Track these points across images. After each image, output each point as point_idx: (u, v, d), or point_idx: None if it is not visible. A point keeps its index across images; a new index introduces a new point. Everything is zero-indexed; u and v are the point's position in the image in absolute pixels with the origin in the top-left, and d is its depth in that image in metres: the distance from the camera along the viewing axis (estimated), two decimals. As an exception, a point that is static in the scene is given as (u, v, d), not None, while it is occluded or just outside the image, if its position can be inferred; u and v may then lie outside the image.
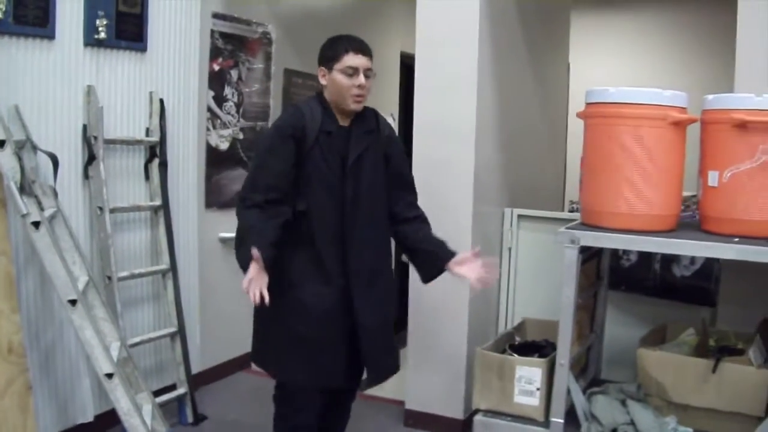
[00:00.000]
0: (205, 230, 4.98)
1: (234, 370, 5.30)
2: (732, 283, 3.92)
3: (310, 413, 3.26)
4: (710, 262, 4.00)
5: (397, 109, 6.66)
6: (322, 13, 6.11)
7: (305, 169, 3.09)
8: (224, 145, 5.11)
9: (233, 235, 4.96)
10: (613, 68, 8.11)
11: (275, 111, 5.53)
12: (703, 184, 3.35)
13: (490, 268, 3.24)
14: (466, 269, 3.23)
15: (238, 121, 5.22)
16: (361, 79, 3.09)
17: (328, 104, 3.17)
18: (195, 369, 4.69)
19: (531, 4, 4.98)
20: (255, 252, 2.85)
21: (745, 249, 3.07)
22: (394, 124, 6.44)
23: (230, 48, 5.07)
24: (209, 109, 4.96)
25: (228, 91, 5.10)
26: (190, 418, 4.44)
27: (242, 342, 5.30)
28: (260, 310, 3.12)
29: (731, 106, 3.24)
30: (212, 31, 4.89)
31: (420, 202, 3.47)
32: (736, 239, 3.17)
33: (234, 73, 5.14)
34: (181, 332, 4.49)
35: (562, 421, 3.46)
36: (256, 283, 2.87)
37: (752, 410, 3.35)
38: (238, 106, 5.20)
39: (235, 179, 5.18)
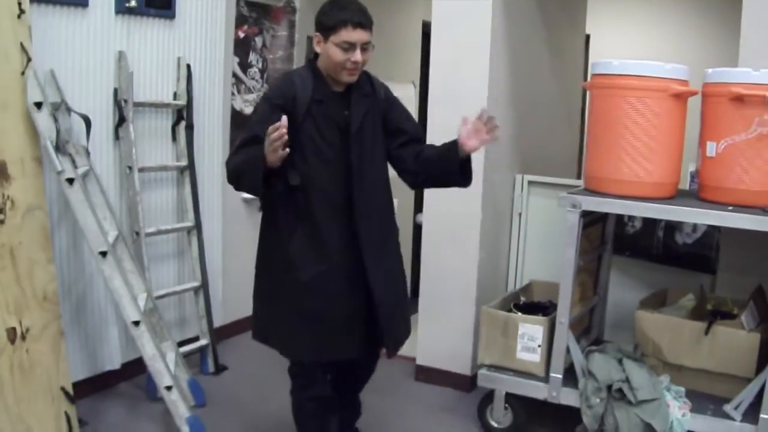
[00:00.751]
0: (229, 190, 5.06)
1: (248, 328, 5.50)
2: (731, 252, 4.05)
3: (324, 384, 3.28)
4: (711, 231, 4.15)
5: (419, 77, 6.78)
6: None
7: (298, 140, 2.92)
8: (249, 110, 5.27)
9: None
10: (633, 39, 8.14)
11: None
12: (702, 154, 3.50)
13: (481, 125, 3.01)
14: (471, 142, 3.01)
15: (262, 86, 5.38)
16: (357, 55, 2.92)
17: (320, 72, 3.03)
18: (217, 323, 4.88)
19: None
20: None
21: (736, 216, 3.24)
22: (415, 92, 6.58)
23: (255, 16, 5.22)
24: (234, 75, 5.12)
25: (253, 57, 5.27)
26: (211, 368, 4.65)
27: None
28: (260, 290, 3.20)
29: (730, 80, 3.38)
30: (238, 0, 5.05)
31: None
32: (730, 207, 3.32)
33: (258, 40, 5.30)
34: (204, 287, 4.69)
35: (560, 376, 3.65)
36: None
37: (742, 371, 3.52)
38: (262, 72, 5.36)
39: (259, 142, 5.35)
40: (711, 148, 3.42)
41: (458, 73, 4.41)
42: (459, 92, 4.37)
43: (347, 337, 3.12)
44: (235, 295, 5.16)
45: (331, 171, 3.01)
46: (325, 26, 2.93)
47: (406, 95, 6.70)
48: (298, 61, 5.69)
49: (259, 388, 4.45)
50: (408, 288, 3.53)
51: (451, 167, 3.09)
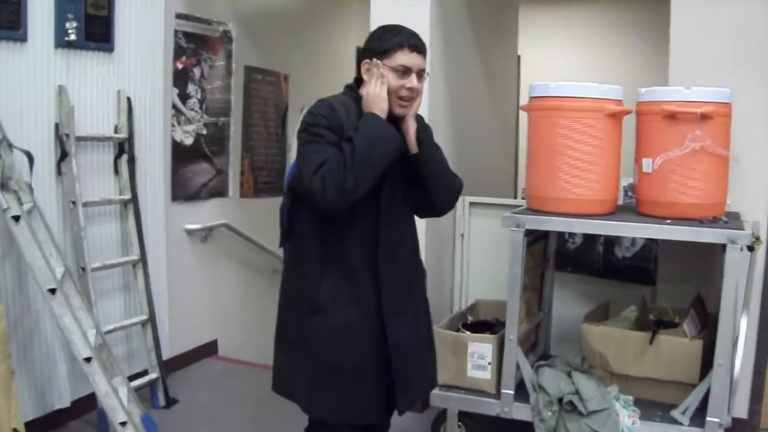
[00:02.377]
0: (172, 222, 5.15)
1: (202, 356, 5.49)
2: (669, 263, 4.18)
3: None
4: (649, 244, 4.28)
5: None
6: (281, 11, 6.30)
7: None
8: (189, 141, 5.29)
9: (199, 226, 5.20)
10: (562, 60, 8.35)
11: (236, 107, 5.72)
12: (639, 171, 3.63)
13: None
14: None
15: (202, 117, 5.40)
16: (414, 80, 2.65)
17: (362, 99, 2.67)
18: (165, 355, 4.86)
19: (481, 6, 5.21)
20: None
21: (674, 229, 3.36)
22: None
23: (193, 47, 5.25)
24: (174, 106, 5.13)
25: (191, 88, 5.28)
26: (162, 402, 4.63)
27: (209, 329, 5.54)
28: (283, 335, 2.83)
29: (662, 98, 3.52)
30: (176, 31, 5.06)
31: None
32: (668, 221, 3.45)
33: (197, 71, 5.32)
34: (151, 320, 4.67)
35: (512, 392, 3.72)
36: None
37: (687, 378, 3.64)
38: (201, 102, 5.38)
39: (200, 173, 5.38)
40: (647, 165, 3.55)
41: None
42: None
43: (372, 396, 2.75)
44: (182, 327, 5.16)
45: (365, 206, 2.61)
46: (378, 50, 2.66)
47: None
48: (236, 90, 5.73)
49: (212, 421, 4.45)
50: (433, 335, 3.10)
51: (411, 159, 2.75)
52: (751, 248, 3.46)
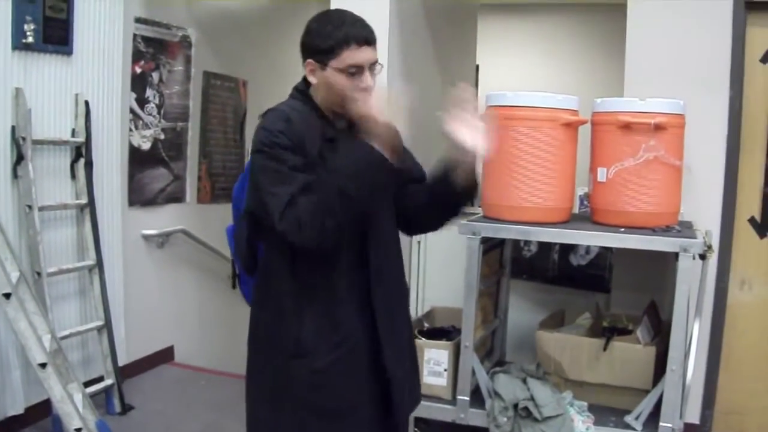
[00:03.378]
0: (129, 227, 5.13)
1: (158, 362, 5.47)
2: (623, 271, 4.25)
3: None
4: (604, 252, 4.34)
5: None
6: (241, 17, 6.30)
7: None
8: (146, 145, 5.27)
9: (155, 231, 5.17)
10: (520, 69, 8.45)
11: (195, 112, 5.71)
12: (593, 180, 3.68)
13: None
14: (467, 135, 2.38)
15: (159, 121, 5.39)
16: (367, 79, 2.28)
17: (316, 104, 2.34)
18: (121, 361, 4.84)
19: (439, 9, 5.25)
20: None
21: (628, 237, 3.41)
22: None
23: (151, 51, 5.23)
24: (132, 111, 5.12)
25: (149, 93, 5.27)
26: (117, 408, 4.60)
27: (165, 335, 5.51)
28: (259, 384, 2.41)
29: (617, 109, 3.57)
30: (134, 35, 5.05)
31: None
32: (622, 229, 3.50)
33: (155, 76, 5.30)
34: (107, 326, 4.65)
35: (468, 398, 3.75)
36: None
37: (640, 384, 3.68)
38: (159, 107, 5.37)
39: (157, 178, 5.36)
40: (602, 174, 3.60)
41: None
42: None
43: (376, 426, 2.44)
44: (138, 333, 5.14)
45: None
46: (321, 49, 2.26)
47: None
48: (194, 95, 5.72)
49: (167, 427, 4.44)
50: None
51: (440, 186, 2.45)
52: (703, 257, 3.53)
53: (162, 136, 5.43)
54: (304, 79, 2.37)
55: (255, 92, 6.44)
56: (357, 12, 4.33)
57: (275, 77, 6.57)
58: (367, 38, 2.29)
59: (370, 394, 2.37)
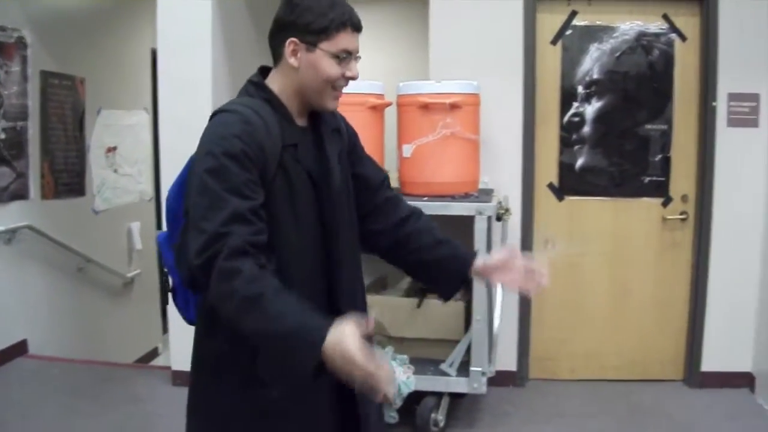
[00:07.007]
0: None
1: (13, 356, 5.54)
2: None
3: None
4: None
5: (150, 104, 7.03)
6: (75, 15, 6.38)
7: (268, 208, 1.90)
8: (-14, 147, 5.38)
9: (1, 228, 5.29)
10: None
11: (33, 111, 5.82)
12: (400, 156, 4.10)
13: (535, 274, 2.16)
14: (509, 279, 2.16)
15: (-1, 122, 5.50)
16: (355, 68, 2.05)
17: (279, 100, 2.03)
18: (-27, 357, 4.95)
19: (262, 3, 5.55)
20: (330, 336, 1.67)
21: (431, 205, 3.83)
22: (148, 119, 6.87)
23: (-13, 53, 5.35)
24: (-30, 112, 5.22)
25: (-13, 94, 5.38)
26: (-28, 399, 4.72)
27: (18, 329, 5.61)
28: (207, 418, 2.07)
29: (417, 91, 4.01)
30: (-32, 38, 5.15)
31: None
32: (425, 198, 3.93)
33: (-8, 77, 5.42)
34: (-43, 321, 4.77)
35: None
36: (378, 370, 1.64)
37: (453, 335, 4.16)
38: (-3, 108, 5.49)
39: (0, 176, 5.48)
40: (407, 150, 4.02)
41: (185, 99, 4.73)
42: (186, 116, 4.49)
43: None
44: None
45: (304, 239, 2.01)
46: (312, 29, 1.97)
47: (140, 121, 6.98)
48: (33, 95, 5.81)
49: (24, 415, 4.53)
50: None
51: (457, 281, 2.24)
52: (499, 218, 4.00)
53: (3, 136, 5.52)
54: (261, 70, 2.13)
55: (93, 89, 6.53)
56: (182, 13, 4.62)
57: (112, 73, 6.72)
58: (359, 25, 2.07)
59: (335, 417, 2.10)
